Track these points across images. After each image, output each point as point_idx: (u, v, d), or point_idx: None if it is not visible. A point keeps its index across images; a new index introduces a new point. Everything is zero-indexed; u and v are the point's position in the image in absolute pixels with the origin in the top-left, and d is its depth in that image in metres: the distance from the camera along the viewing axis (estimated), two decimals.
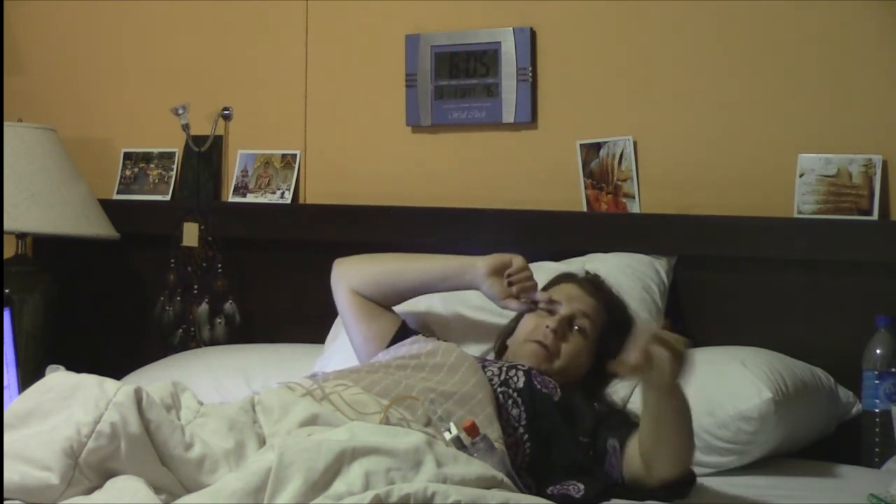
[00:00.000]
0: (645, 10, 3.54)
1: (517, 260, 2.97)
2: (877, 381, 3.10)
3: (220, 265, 3.92)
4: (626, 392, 3.08)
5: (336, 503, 2.11)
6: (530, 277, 2.96)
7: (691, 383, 3.01)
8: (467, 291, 3.32)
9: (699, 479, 2.80)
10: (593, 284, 2.98)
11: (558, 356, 2.83)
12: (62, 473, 2.17)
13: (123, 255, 4.07)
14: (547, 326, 2.84)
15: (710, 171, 3.46)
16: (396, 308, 3.12)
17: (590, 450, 2.65)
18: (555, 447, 2.63)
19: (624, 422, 2.72)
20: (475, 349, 3.04)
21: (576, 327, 2.86)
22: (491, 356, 3.02)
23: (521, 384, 2.70)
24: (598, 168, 3.55)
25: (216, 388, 3.38)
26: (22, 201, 3.78)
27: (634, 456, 2.59)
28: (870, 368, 3.12)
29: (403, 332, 3.02)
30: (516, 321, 2.97)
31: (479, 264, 2.97)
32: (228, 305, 3.90)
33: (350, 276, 3.08)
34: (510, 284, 2.95)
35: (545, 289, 2.98)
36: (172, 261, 3.95)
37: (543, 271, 3.13)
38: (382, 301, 3.07)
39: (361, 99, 3.91)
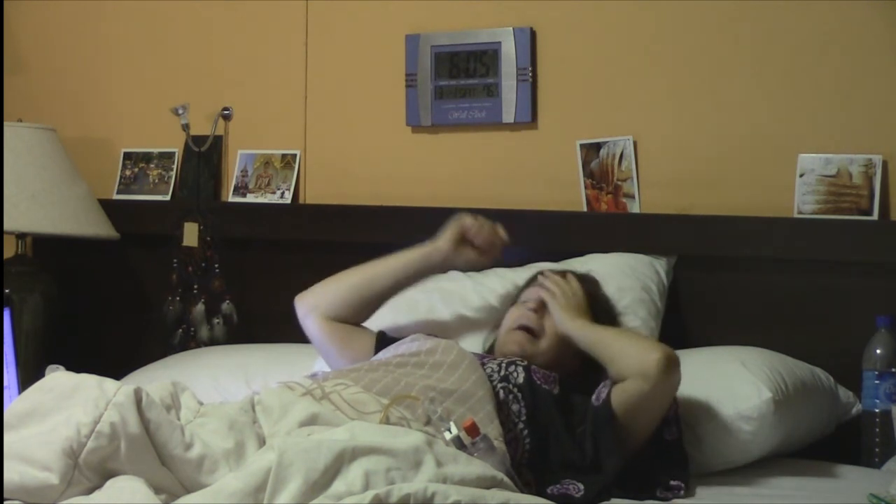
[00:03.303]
0: (645, 10, 3.54)
1: (467, 220, 3.09)
2: (877, 381, 3.10)
3: (217, 265, 3.92)
4: None
5: (336, 503, 2.11)
6: (486, 225, 3.09)
7: (692, 383, 3.02)
8: (468, 291, 3.34)
9: (699, 479, 2.81)
10: (567, 270, 3.06)
11: (543, 334, 2.90)
12: (62, 473, 2.17)
13: (123, 255, 4.07)
14: (528, 309, 2.92)
15: (710, 171, 3.46)
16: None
17: (585, 438, 2.67)
18: (553, 442, 2.64)
19: None
20: (475, 350, 3.04)
21: None
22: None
23: (520, 380, 2.71)
24: (598, 168, 3.55)
25: (216, 388, 3.38)
26: (22, 201, 3.78)
27: (619, 388, 2.70)
28: (870, 368, 3.12)
29: (383, 340, 3.03)
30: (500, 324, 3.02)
31: (441, 243, 3.08)
32: (226, 305, 3.90)
33: (318, 303, 3.10)
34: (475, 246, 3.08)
35: (522, 289, 3.07)
36: (175, 261, 3.95)
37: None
38: (355, 318, 3.09)
39: (361, 99, 3.91)
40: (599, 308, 3.00)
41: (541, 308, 2.92)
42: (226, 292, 3.90)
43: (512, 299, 3.08)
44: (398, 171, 3.83)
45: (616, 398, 2.67)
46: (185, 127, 4.03)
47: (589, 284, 3.03)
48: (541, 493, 2.48)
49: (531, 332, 2.90)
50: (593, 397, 2.72)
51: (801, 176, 3.32)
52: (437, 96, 3.76)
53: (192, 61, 4.12)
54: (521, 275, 3.29)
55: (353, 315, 3.08)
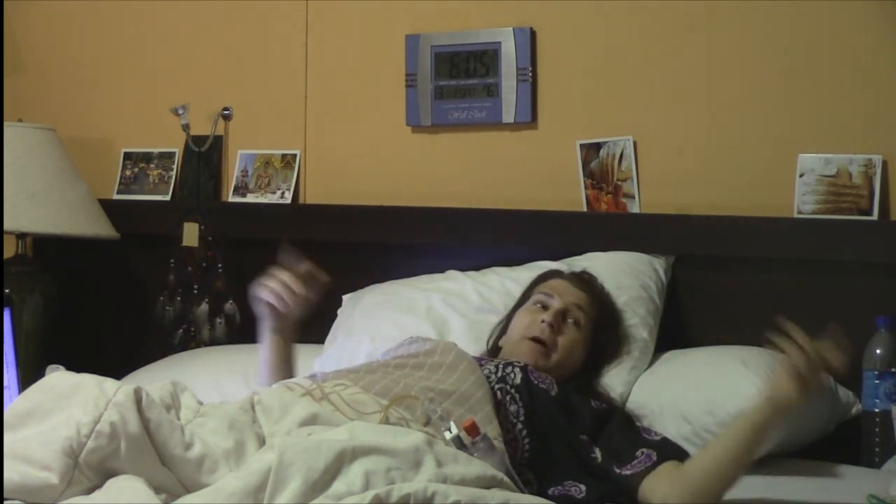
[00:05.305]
0: (645, 11, 3.54)
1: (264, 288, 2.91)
2: (877, 381, 3.10)
3: (220, 265, 3.92)
4: (625, 388, 3.08)
5: (336, 503, 2.11)
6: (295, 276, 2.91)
7: (692, 383, 3.02)
8: (468, 291, 3.34)
9: None
10: (580, 279, 3.00)
11: (555, 350, 2.84)
12: (62, 473, 2.17)
13: (123, 255, 4.07)
14: (542, 321, 2.85)
15: (710, 171, 3.46)
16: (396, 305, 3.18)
17: (591, 447, 2.65)
18: (554, 442, 2.63)
19: (630, 426, 2.72)
20: (475, 350, 3.04)
21: (570, 320, 2.87)
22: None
23: (518, 380, 2.70)
24: (598, 168, 3.55)
25: (216, 388, 3.38)
26: (22, 201, 3.78)
27: (661, 482, 2.55)
28: (870, 368, 3.12)
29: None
30: (507, 320, 2.98)
31: (266, 323, 2.93)
32: (229, 305, 3.89)
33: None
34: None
35: (534, 286, 2.99)
36: (172, 261, 3.95)
37: (538, 270, 3.16)
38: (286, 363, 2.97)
39: (361, 99, 3.91)
40: (606, 309, 2.97)
41: (557, 323, 2.85)
42: (229, 292, 3.90)
43: (519, 299, 3.04)
44: (398, 171, 3.83)
45: (643, 493, 2.56)
46: (185, 127, 4.03)
47: (590, 283, 3.00)
48: (542, 494, 2.48)
49: (544, 345, 2.83)
50: (627, 467, 2.59)
51: (801, 176, 3.32)
52: (437, 96, 3.76)
53: (192, 61, 4.12)
54: (521, 274, 3.29)
55: (284, 366, 2.96)
